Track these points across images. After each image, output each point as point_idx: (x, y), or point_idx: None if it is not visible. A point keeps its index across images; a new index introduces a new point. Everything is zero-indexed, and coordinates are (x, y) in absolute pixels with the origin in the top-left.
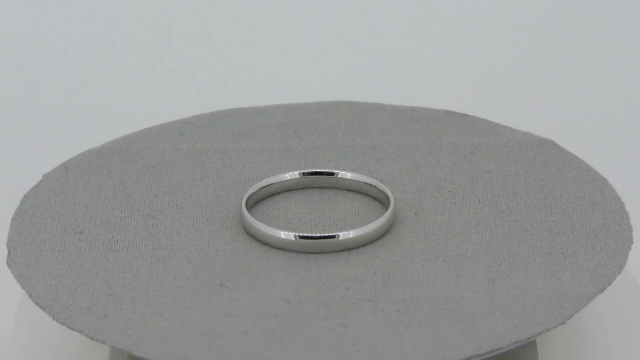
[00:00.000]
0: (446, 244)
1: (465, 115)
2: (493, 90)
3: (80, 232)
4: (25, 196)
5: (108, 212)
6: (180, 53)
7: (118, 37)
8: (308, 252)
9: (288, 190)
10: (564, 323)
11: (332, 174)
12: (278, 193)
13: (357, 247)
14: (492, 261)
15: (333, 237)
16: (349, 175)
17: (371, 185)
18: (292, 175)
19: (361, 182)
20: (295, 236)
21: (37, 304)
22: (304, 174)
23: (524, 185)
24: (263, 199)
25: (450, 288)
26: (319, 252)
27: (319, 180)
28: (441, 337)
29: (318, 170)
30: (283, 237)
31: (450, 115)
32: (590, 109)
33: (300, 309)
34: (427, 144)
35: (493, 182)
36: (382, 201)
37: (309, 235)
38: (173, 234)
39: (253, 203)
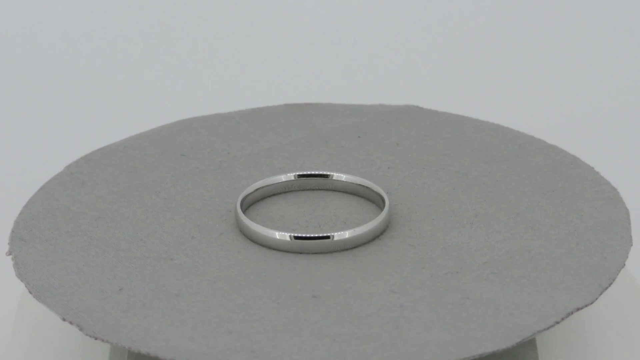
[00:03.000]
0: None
1: (308, 104)
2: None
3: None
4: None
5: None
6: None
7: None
8: (303, 253)
9: (283, 192)
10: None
11: (326, 175)
12: (273, 195)
13: (352, 248)
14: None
15: (328, 237)
16: (343, 177)
17: (366, 186)
18: (287, 177)
19: (356, 183)
20: (290, 237)
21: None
22: (299, 175)
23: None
24: (258, 200)
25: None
26: (314, 253)
27: (313, 182)
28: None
29: (313, 172)
30: (278, 237)
31: (290, 107)
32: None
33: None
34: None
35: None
36: (376, 202)
37: (304, 235)
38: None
39: (248, 204)
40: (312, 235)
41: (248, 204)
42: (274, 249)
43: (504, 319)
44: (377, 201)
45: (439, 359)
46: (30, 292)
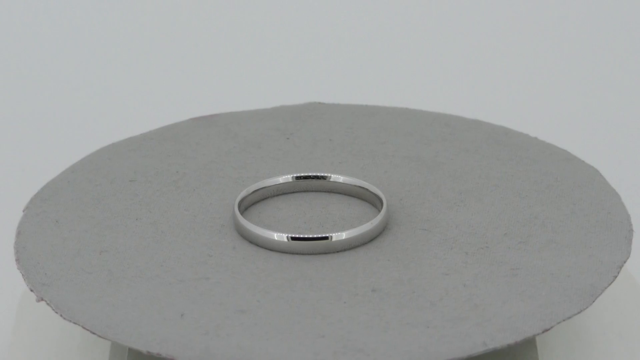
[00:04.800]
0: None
1: (213, 115)
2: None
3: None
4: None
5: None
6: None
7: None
8: (301, 254)
9: (281, 194)
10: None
11: (324, 177)
12: (271, 196)
13: (349, 249)
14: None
15: (326, 238)
16: (341, 178)
17: (363, 188)
18: (285, 178)
19: (354, 185)
20: (288, 238)
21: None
22: (297, 177)
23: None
24: (256, 202)
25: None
26: (312, 254)
27: (311, 184)
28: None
29: (311, 174)
30: (276, 238)
31: (197, 120)
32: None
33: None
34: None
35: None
36: (374, 204)
37: (302, 236)
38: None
39: (246, 206)
40: (309, 237)
41: (246, 206)
42: (271, 250)
43: (566, 282)
44: (374, 202)
45: (537, 328)
46: (94, 333)
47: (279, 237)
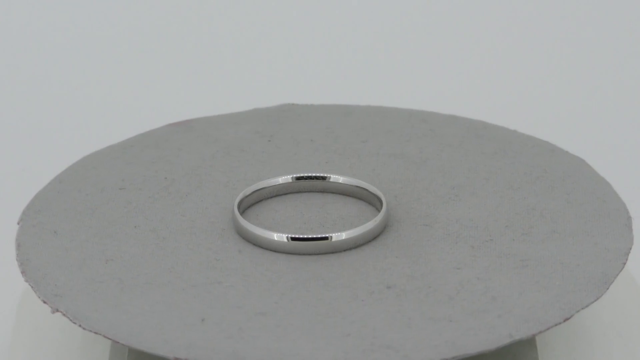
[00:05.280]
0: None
1: (189, 121)
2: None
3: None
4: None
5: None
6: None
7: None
8: (307, 254)
9: (280, 194)
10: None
11: (324, 177)
12: (270, 197)
13: (349, 249)
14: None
15: (325, 238)
16: (341, 179)
17: (363, 188)
18: (284, 179)
19: (353, 185)
20: (287, 238)
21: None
22: (296, 178)
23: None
24: (255, 202)
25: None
26: (319, 254)
27: (311, 184)
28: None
29: (310, 174)
30: (276, 239)
31: (173, 126)
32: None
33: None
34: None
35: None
36: (374, 204)
37: (302, 237)
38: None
39: (245, 207)
40: (309, 237)
41: (246, 206)
42: (271, 250)
43: (577, 271)
44: (374, 202)
45: (558, 317)
46: (117, 342)
47: (280, 237)
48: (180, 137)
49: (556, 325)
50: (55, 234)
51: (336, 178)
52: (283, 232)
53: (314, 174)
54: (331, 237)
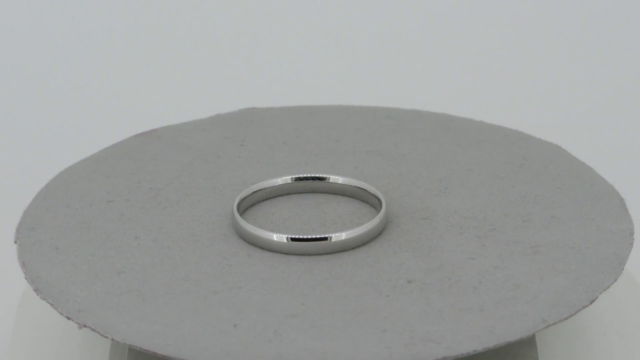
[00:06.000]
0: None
1: (154, 130)
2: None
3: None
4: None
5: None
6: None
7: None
8: (317, 254)
9: (280, 195)
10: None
11: (323, 178)
12: (270, 198)
13: (349, 250)
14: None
15: (325, 239)
16: (340, 179)
17: (363, 189)
18: (284, 180)
19: (353, 186)
20: (287, 238)
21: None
22: (296, 178)
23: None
24: (255, 203)
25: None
26: (312, 255)
27: (311, 185)
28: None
29: (310, 175)
30: (275, 239)
31: (141, 137)
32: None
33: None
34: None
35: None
36: (374, 205)
37: (302, 237)
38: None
39: (245, 207)
40: (309, 237)
41: (245, 207)
42: (271, 251)
43: (589, 254)
44: (373, 203)
45: (584, 300)
46: (155, 353)
47: (280, 237)
48: (150, 146)
49: (584, 307)
50: (57, 250)
51: (336, 179)
52: (283, 233)
53: (313, 175)
54: (331, 237)
